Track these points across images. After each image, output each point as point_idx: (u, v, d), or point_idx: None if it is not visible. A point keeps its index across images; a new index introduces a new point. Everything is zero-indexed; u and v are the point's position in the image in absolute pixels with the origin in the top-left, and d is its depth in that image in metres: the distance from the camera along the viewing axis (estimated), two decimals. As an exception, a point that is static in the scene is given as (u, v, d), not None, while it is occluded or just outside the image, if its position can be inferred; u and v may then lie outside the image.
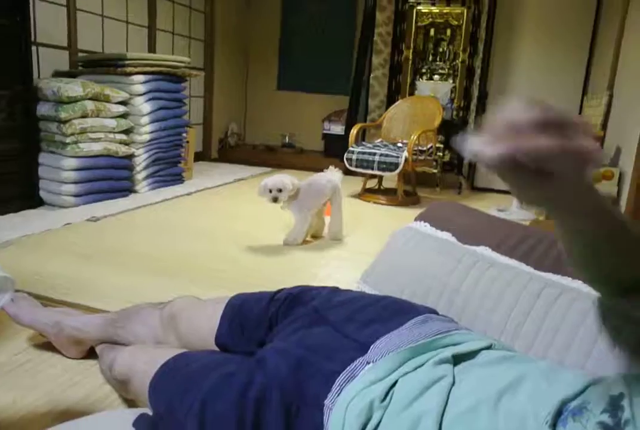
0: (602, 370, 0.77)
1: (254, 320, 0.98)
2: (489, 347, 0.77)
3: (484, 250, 1.00)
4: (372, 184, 4.57)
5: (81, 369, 1.41)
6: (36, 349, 1.48)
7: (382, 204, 4.22)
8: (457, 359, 0.73)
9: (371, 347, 0.79)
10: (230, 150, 6.05)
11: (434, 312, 0.89)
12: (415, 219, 1.20)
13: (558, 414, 0.58)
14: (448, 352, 0.73)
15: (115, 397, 1.28)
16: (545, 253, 0.96)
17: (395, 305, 0.89)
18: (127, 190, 3.53)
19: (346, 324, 0.86)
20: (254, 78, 6.42)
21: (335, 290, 0.98)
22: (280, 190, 2.48)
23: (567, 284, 0.88)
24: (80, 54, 3.72)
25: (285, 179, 2.50)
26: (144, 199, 3.50)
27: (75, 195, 3.10)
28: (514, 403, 0.62)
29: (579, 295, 0.85)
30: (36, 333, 1.49)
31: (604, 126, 4.07)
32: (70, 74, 3.56)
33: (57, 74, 3.50)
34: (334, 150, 5.63)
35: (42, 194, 3.09)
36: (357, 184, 4.73)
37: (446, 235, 1.07)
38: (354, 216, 3.60)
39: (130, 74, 3.42)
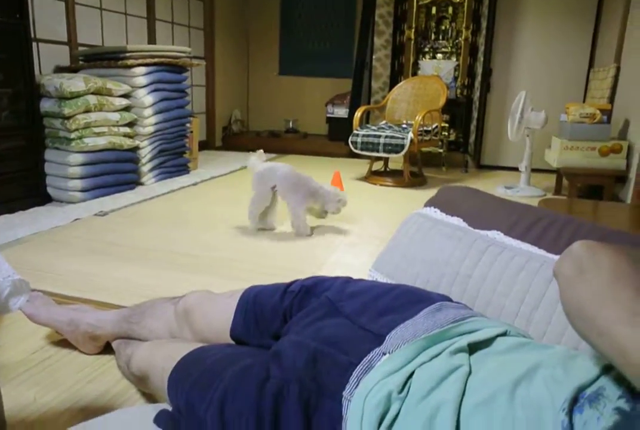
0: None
1: (268, 313, 0.98)
2: (504, 334, 0.77)
3: (496, 235, 0.99)
4: (378, 166, 4.55)
5: (98, 364, 1.42)
6: (53, 347, 1.50)
7: (389, 185, 4.21)
8: (472, 348, 0.73)
9: (387, 337, 0.79)
10: (234, 138, 6.03)
11: (448, 299, 0.89)
12: (425, 205, 1.19)
13: (574, 401, 0.57)
14: (464, 341, 0.73)
15: (133, 392, 1.29)
16: (557, 236, 0.95)
17: (409, 294, 0.89)
18: (134, 183, 3.53)
19: (360, 314, 0.86)
20: (256, 64, 6.38)
21: (348, 280, 0.97)
22: None
23: (581, 268, 0.87)
24: (80, 48, 3.70)
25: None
26: (151, 191, 3.51)
27: (82, 191, 3.11)
28: (531, 391, 0.62)
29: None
30: (52, 331, 1.50)
31: (612, 99, 4.02)
32: (72, 69, 3.55)
33: (59, 70, 3.49)
34: (338, 133, 5.61)
35: (49, 190, 3.10)
36: (362, 167, 4.71)
37: (456, 221, 1.06)
38: (361, 199, 3.59)
39: (132, 66, 3.40)
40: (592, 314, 0.57)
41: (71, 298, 1.81)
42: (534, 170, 4.24)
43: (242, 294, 1.07)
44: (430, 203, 1.17)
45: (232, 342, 1.04)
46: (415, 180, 4.27)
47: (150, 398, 1.26)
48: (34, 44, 3.27)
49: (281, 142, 5.93)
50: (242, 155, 5.34)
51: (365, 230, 2.81)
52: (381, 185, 4.23)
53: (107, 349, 1.44)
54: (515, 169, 4.47)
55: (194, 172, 4.25)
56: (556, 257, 0.91)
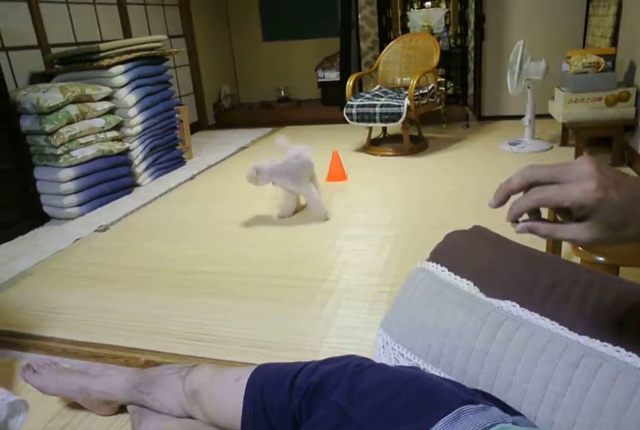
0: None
1: (277, 411, 0.94)
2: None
3: (511, 307, 0.92)
4: (377, 132, 4.41)
5: (117, 427, 1.40)
6: (69, 410, 1.47)
7: (389, 155, 4.09)
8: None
9: None
10: (227, 114, 5.87)
11: (464, 398, 0.83)
12: (431, 257, 1.11)
13: None
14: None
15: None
16: (578, 307, 0.87)
17: (423, 396, 0.83)
18: (130, 186, 3.44)
19: (373, 424, 0.81)
20: (238, 33, 6.12)
21: (356, 371, 0.91)
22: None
23: (608, 354, 0.80)
24: (53, 50, 3.52)
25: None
26: (148, 193, 3.42)
27: (79, 205, 3.02)
28: None
29: (622, 368, 0.78)
30: (65, 395, 1.47)
31: (614, 40, 3.80)
32: (48, 75, 3.39)
33: (34, 77, 3.34)
34: (331, 98, 5.46)
35: (45, 209, 3.01)
36: (361, 133, 4.57)
37: (467, 286, 0.99)
38: (361, 176, 3.49)
39: (108, 66, 3.24)
40: None
41: (81, 344, 1.79)
42: (538, 116, 4.08)
43: (248, 380, 1.02)
44: (436, 256, 1.09)
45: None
46: (416, 146, 4.14)
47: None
48: (3, 54, 3.12)
49: (274, 113, 5.77)
50: (236, 134, 5.21)
51: (368, 217, 2.75)
52: (382, 155, 4.11)
53: (123, 407, 1.41)
54: (518, 118, 4.32)
55: (190, 163, 4.15)
56: (580, 338, 0.84)
